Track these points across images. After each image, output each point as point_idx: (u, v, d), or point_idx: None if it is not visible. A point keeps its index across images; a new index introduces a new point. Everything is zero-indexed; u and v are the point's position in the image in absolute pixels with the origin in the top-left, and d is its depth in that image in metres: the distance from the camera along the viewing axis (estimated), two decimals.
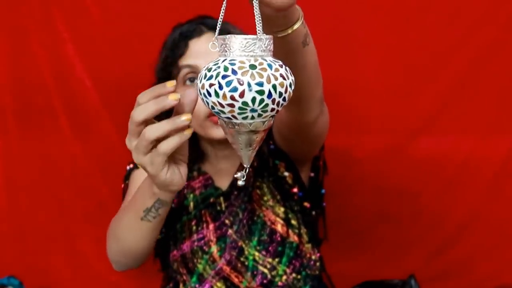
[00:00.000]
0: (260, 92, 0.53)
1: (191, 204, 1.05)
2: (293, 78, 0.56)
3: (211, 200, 1.04)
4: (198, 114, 0.95)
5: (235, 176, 0.62)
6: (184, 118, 0.64)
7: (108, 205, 1.39)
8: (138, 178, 1.01)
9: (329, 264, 1.14)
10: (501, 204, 1.42)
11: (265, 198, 1.04)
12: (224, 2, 0.58)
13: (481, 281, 1.41)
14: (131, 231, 0.85)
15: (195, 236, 1.03)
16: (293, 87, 0.56)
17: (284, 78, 0.54)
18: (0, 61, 1.40)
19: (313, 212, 1.10)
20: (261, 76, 0.53)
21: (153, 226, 0.82)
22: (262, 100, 0.53)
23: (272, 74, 0.53)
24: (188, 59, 0.98)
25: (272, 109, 0.55)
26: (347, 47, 1.39)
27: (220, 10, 0.59)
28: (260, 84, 0.53)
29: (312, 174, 1.11)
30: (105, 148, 1.43)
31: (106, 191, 1.43)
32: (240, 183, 0.62)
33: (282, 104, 0.55)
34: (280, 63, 0.56)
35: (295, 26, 0.65)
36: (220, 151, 1.05)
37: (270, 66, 0.54)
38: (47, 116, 1.42)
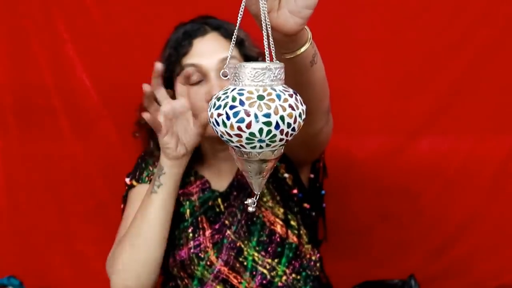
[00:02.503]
0: (267, 124, 0.52)
1: (187, 212, 1.05)
2: (304, 108, 0.55)
3: (210, 203, 1.05)
4: (201, 113, 0.95)
5: (246, 203, 0.61)
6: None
7: (108, 205, 1.39)
8: (135, 197, 1.02)
9: (329, 264, 1.14)
10: (501, 204, 1.42)
11: (265, 199, 1.04)
12: (241, 7, 0.56)
13: (481, 281, 1.40)
14: (145, 220, 0.94)
15: (191, 243, 1.03)
16: (303, 117, 0.55)
17: (293, 109, 0.53)
18: (0, 61, 1.40)
19: (313, 213, 1.10)
20: (268, 107, 0.52)
21: (162, 201, 0.93)
22: (269, 131, 0.52)
23: (280, 105, 0.52)
24: (191, 58, 0.98)
25: (281, 139, 0.54)
26: (347, 47, 1.38)
27: (237, 13, 0.57)
28: (267, 115, 0.52)
29: (312, 176, 1.10)
30: (105, 148, 1.43)
31: (106, 191, 1.43)
32: (250, 209, 0.61)
33: (291, 134, 0.54)
34: (291, 92, 0.54)
35: (303, 49, 0.64)
36: (221, 152, 1.05)
37: (278, 96, 0.53)
38: (47, 116, 1.42)
